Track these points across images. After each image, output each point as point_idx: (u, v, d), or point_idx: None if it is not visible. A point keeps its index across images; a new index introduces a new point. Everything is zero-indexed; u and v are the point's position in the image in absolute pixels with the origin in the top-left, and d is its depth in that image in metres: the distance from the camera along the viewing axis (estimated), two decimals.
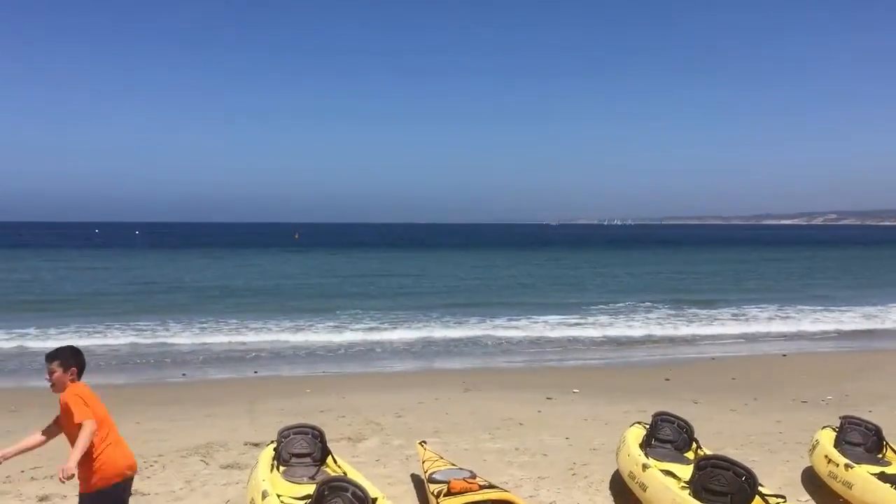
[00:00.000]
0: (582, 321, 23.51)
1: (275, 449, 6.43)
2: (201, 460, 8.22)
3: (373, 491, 5.19)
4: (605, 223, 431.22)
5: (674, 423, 7.14)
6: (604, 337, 20.95)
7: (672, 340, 20.53)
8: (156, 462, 8.10)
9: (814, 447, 7.11)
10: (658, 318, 24.56)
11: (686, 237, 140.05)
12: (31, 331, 20.14)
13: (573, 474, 7.59)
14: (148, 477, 7.48)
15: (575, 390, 12.81)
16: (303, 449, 6.54)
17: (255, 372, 15.82)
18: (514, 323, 22.99)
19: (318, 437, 6.61)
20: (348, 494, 4.87)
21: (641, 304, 27.82)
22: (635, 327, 22.44)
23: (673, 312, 25.74)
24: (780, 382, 13.63)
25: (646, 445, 6.91)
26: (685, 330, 22.12)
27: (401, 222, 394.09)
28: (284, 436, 6.53)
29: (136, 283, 36.07)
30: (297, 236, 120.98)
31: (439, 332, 21.51)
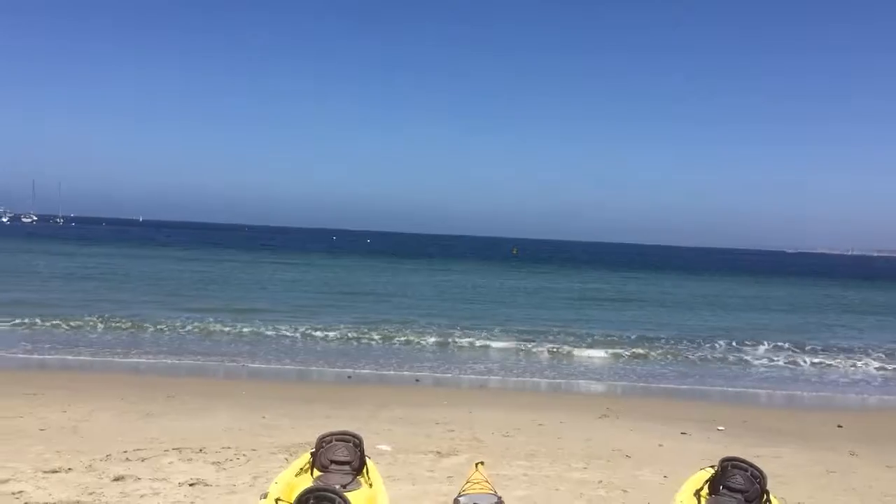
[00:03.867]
0: (796, 352, 21.73)
1: (312, 454, 6.47)
2: (286, 458, 8.50)
3: None
4: (849, 253, 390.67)
5: (747, 470, 6.24)
6: (808, 374, 19.04)
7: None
8: (244, 455, 8.52)
9: None
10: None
11: None
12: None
13: None
14: (224, 469, 7.90)
15: (720, 427, 11.67)
16: (343, 457, 6.52)
17: (417, 380, 16.10)
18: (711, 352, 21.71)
19: (358, 445, 6.57)
20: None
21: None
22: (848, 367, 20.13)
23: None
24: None
25: (712, 492, 6.12)
26: None
27: (628, 242, 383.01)
28: (326, 441, 6.55)
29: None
30: (515, 251, 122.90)
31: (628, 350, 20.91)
